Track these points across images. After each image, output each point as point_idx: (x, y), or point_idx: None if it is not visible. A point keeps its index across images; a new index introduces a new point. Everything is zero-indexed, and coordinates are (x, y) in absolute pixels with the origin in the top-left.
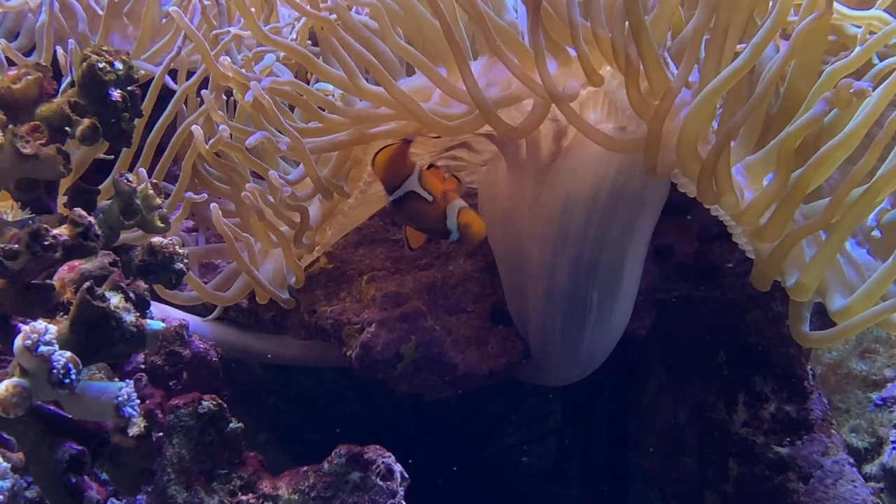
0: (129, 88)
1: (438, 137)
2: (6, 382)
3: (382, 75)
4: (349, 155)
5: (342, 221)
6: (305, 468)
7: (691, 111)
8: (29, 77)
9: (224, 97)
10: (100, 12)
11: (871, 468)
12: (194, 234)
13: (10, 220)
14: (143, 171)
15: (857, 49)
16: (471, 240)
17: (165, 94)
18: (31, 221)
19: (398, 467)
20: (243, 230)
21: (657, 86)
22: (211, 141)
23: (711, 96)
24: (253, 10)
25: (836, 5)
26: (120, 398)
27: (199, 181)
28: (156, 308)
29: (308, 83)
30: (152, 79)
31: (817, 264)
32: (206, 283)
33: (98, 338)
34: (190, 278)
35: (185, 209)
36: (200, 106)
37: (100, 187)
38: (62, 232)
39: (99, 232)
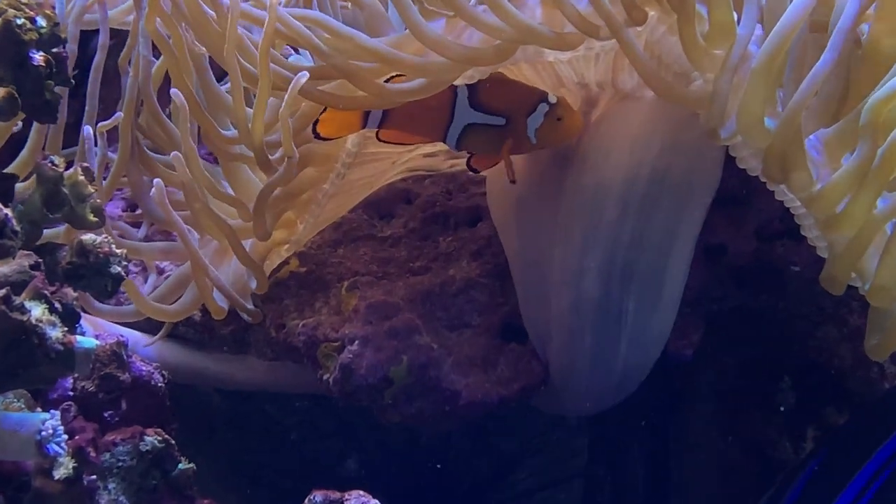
0: (54, 50)
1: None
2: None
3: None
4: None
5: (316, 213)
6: None
7: (758, 63)
8: None
9: None
10: None
11: None
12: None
13: None
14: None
15: None
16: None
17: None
18: None
19: None
20: (191, 224)
21: (721, 28)
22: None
23: (781, 43)
24: None
25: None
26: (43, 433)
27: (143, 165)
28: (88, 322)
29: None
30: None
31: (891, 258)
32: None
33: (16, 358)
34: (129, 285)
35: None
36: None
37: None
38: None
39: (17, 227)
